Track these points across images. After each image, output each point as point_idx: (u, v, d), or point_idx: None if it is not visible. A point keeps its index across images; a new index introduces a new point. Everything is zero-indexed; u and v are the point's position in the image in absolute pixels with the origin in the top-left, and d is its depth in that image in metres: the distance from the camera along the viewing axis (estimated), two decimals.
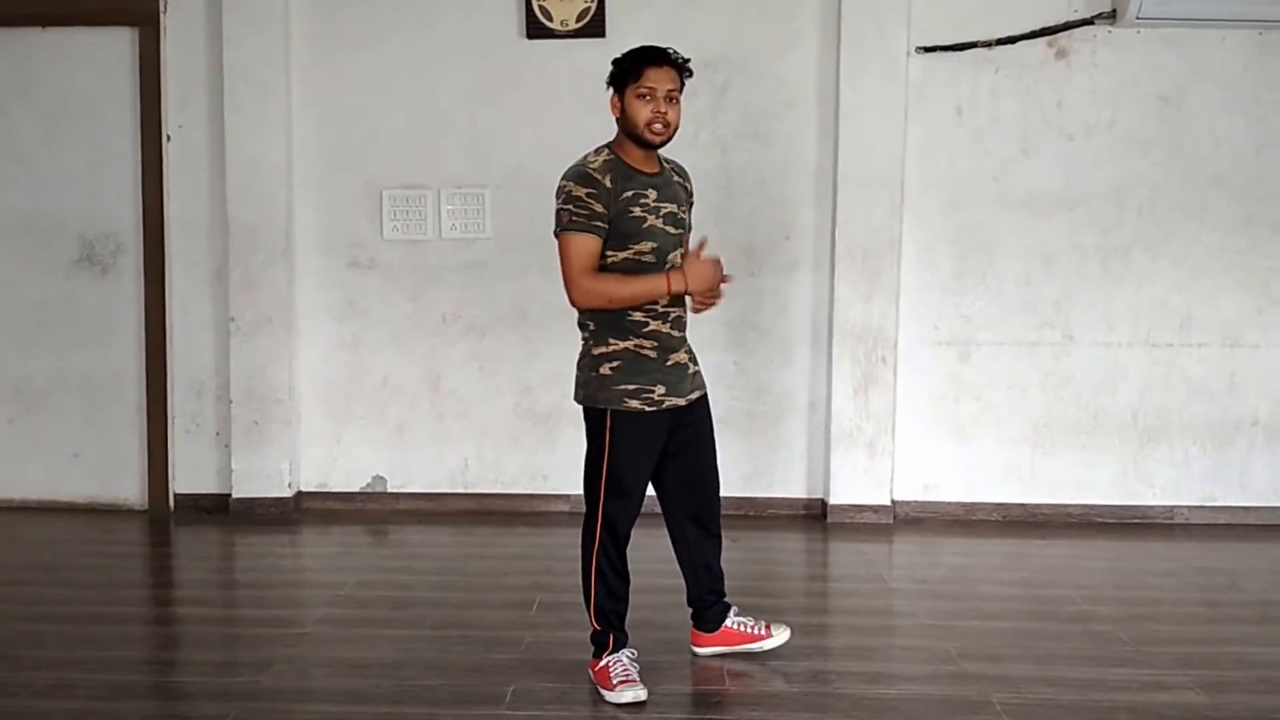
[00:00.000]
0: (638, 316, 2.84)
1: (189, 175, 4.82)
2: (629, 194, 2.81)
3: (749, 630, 3.11)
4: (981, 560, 4.20)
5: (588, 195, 2.76)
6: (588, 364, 2.90)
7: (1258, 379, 4.71)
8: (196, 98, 4.79)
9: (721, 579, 3.14)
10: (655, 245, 2.84)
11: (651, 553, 3.39)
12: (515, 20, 4.71)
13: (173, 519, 4.77)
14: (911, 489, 4.79)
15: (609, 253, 2.81)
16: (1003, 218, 4.69)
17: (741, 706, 2.72)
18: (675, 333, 2.93)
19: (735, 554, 4.23)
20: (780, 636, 3.10)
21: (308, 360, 4.89)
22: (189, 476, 4.91)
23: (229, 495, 4.81)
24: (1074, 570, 4.03)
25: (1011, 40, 4.61)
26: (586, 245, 2.76)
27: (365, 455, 4.91)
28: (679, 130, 4.76)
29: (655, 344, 2.87)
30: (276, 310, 4.76)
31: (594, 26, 4.64)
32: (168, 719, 2.73)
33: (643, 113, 2.81)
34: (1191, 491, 4.74)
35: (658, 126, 2.82)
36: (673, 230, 2.92)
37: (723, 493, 4.77)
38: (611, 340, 2.85)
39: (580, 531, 2.94)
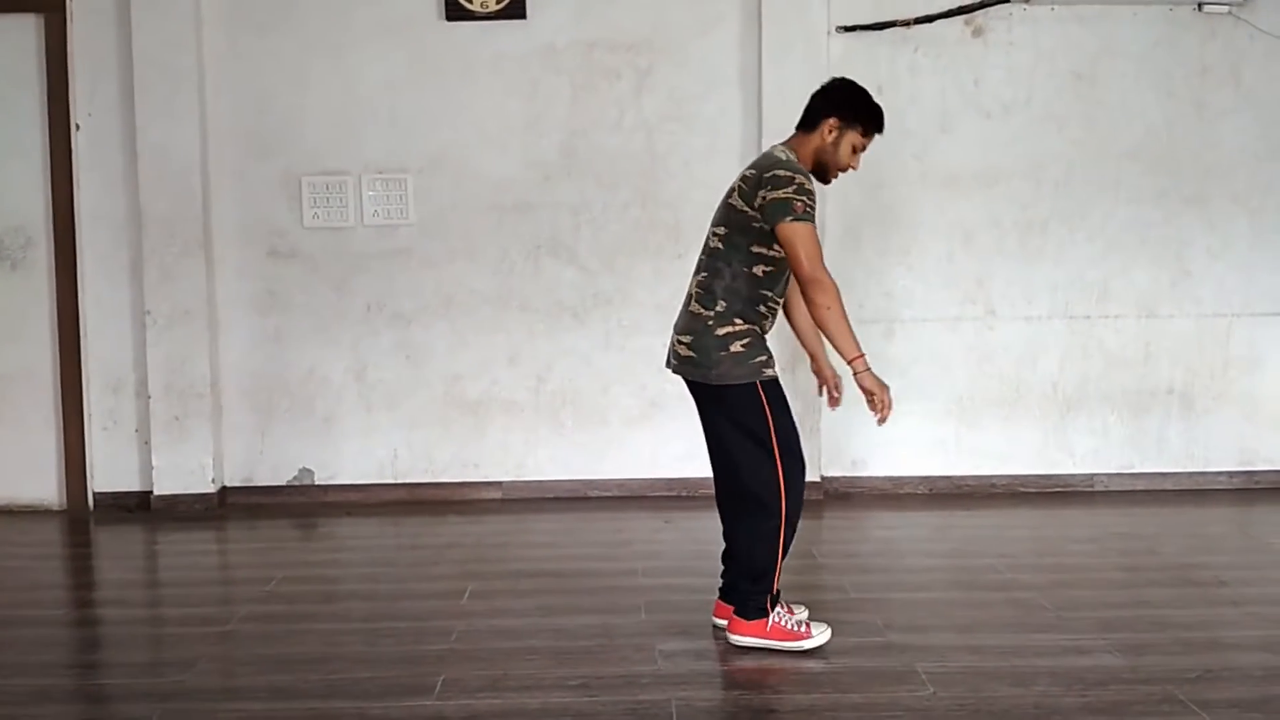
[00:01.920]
0: (767, 305, 2.96)
1: (100, 165, 4.69)
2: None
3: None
4: (908, 533, 4.27)
5: (811, 189, 2.87)
6: (715, 343, 2.92)
7: (1172, 349, 4.84)
8: (105, 86, 4.65)
9: None
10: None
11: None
12: (434, 2, 4.65)
13: (92, 518, 4.66)
14: (840, 465, 4.85)
15: (776, 249, 2.88)
16: (924, 196, 4.76)
17: (672, 686, 2.73)
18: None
19: (668, 535, 4.26)
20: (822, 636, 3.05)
21: (229, 353, 4.79)
22: (108, 474, 4.79)
23: (150, 493, 4.71)
24: (998, 540, 4.12)
25: (929, 19, 4.67)
26: (815, 234, 2.86)
27: (292, 448, 4.83)
28: (602, 113, 4.77)
29: (767, 328, 3.01)
30: (195, 303, 4.65)
31: (514, 8, 4.61)
32: None
33: (849, 160, 3.02)
34: (1110, 460, 4.87)
35: (840, 175, 3.05)
36: None
37: (656, 474, 4.85)
38: (737, 320, 2.92)
39: (751, 514, 2.97)
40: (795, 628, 2.97)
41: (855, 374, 2.93)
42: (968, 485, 4.82)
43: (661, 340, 4.77)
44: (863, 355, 2.91)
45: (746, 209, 2.89)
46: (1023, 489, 4.83)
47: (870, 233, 4.77)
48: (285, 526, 4.51)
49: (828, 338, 2.95)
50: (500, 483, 4.87)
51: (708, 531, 4.35)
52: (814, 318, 2.92)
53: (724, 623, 3.05)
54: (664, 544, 4.14)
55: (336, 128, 4.71)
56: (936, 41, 4.70)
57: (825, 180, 3.05)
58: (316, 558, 4.14)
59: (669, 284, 4.76)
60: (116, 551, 4.33)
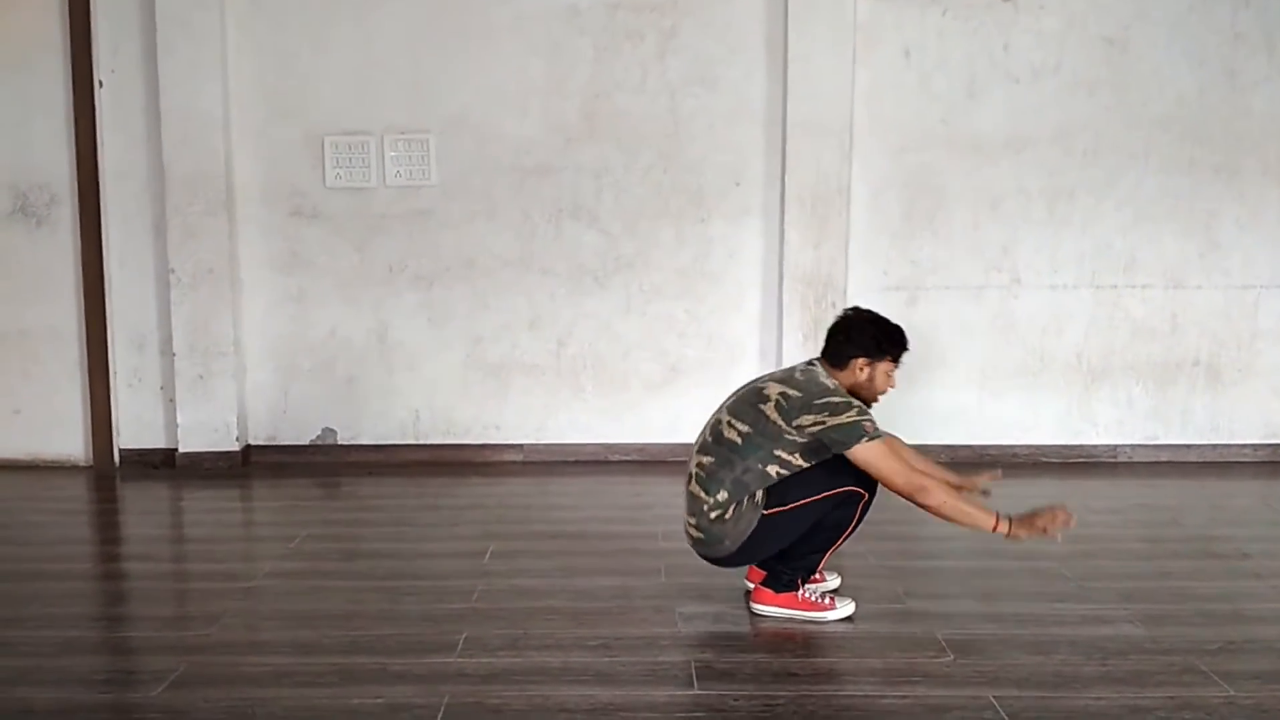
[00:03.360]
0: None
1: (123, 124, 4.69)
2: None
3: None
4: None
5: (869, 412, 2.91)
6: (717, 527, 2.94)
7: (1199, 320, 4.79)
8: (128, 44, 4.65)
9: None
10: None
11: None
12: None
13: (118, 474, 4.70)
14: None
15: (793, 459, 2.87)
16: (950, 162, 4.71)
17: (691, 647, 2.75)
18: None
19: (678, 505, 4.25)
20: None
21: (252, 313, 4.81)
22: (133, 431, 4.84)
23: (175, 450, 4.74)
24: (1018, 509, 4.07)
25: None
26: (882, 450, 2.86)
27: (314, 408, 4.86)
28: (625, 75, 4.73)
29: None
30: (218, 262, 4.66)
31: None
32: (116, 673, 2.70)
33: (886, 386, 3.09)
34: (1134, 430, 4.84)
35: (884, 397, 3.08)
36: None
37: (676, 439, 4.84)
38: (734, 506, 2.91)
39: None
40: (820, 599, 2.99)
41: (1007, 537, 2.85)
42: (989, 454, 4.80)
43: (683, 306, 4.80)
44: (999, 518, 2.83)
45: (782, 424, 2.87)
46: (1045, 459, 4.81)
47: (895, 198, 4.73)
48: (308, 485, 4.54)
49: (963, 527, 2.89)
50: (521, 445, 4.89)
51: None
52: (940, 517, 2.88)
53: (752, 586, 3.06)
54: (684, 509, 4.14)
55: (359, 88, 4.69)
56: (965, 4, 4.63)
57: (868, 405, 3.03)
58: (339, 516, 4.17)
59: (690, 248, 4.75)
60: (142, 507, 4.37)
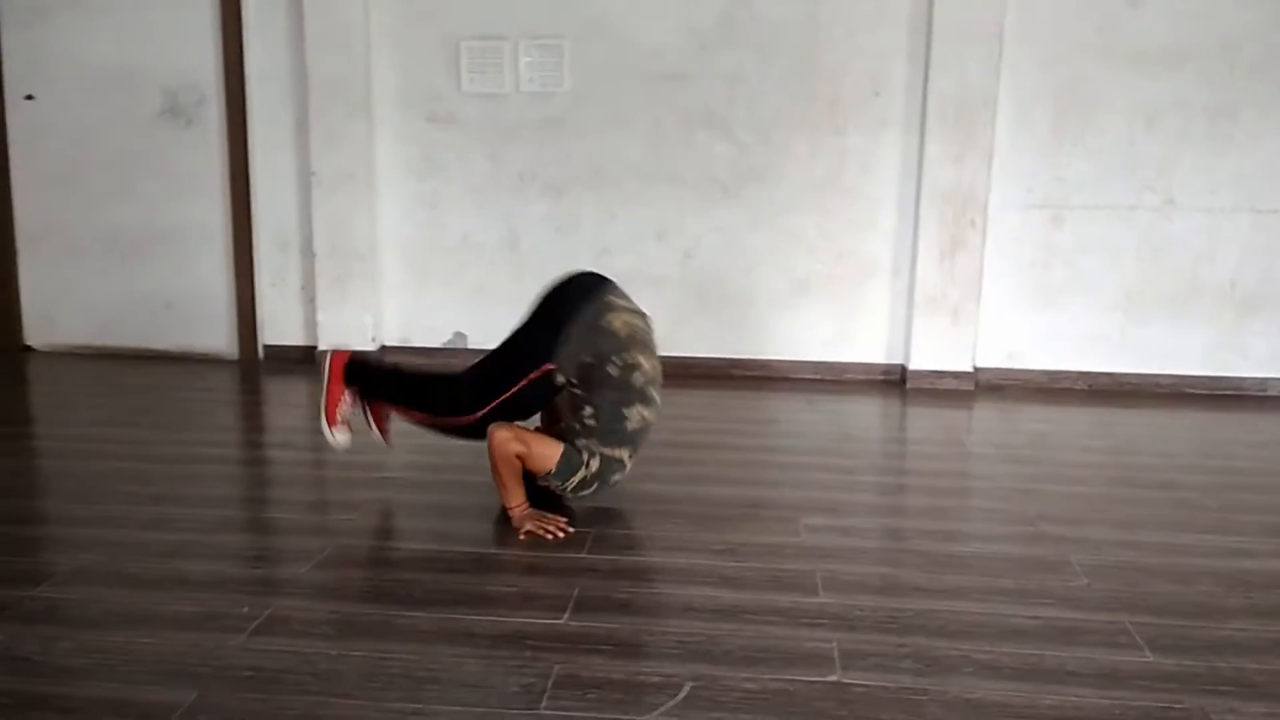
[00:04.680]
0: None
1: (268, 26, 4.79)
2: None
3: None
4: (1065, 428, 4.14)
5: None
6: None
7: None
8: None
9: None
10: None
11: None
12: None
13: (261, 369, 4.91)
14: (995, 356, 4.71)
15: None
16: (1105, 74, 4.46)
17: (817, 558, 2.75)
18: None
19: (811, 416, 4.24)
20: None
21: (388, 217, 4.91)
22: (276, 328, 5.04)
23: (315, 348, 4.92)
24: (1161, 440, 3.96)
25: None
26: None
27: (446, 312, 4.98)
28: None
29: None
30: (358, 166, 4.76)
31: None
32: (266, 550, 2.85)
33: None
34: None
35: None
36: None
37: (801, 357, 4.79)
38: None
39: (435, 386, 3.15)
40: (346, 419, 3.15)
41: (512, 514, 2.91)
42: (1130, 383, 4.63)
43: (814, 220, 4.71)
44: (522, 500, 2.91)
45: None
46: (1190, 390, 4.61)
47: (1043, 110, 4.52)
48: None
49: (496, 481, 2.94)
50: None
51: (851, 415, 4.34)
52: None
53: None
54: (807, 424, 4.13)
55: None
56: None
57: None
58: None
59: (824, 160, 4.64)
60: (285, 400, 4.56)
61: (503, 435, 2.86)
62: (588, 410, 2.91)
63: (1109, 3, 4.42)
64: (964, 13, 4.37)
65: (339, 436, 3.16)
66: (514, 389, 2.94)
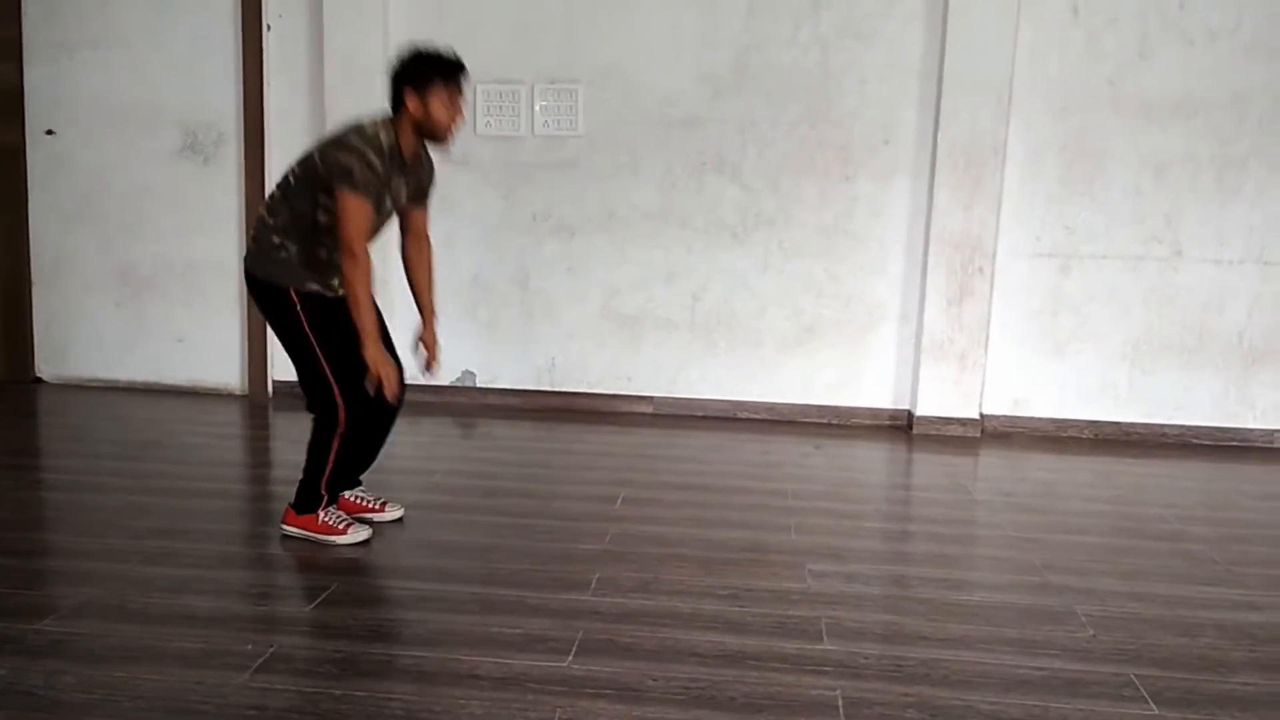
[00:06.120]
0: (325, 257, 3.00)
1: (288, 66, 4.87)
2: (394, 180, 3.01)
3: (365, 503, 3.31)
4: (1071, 476, 4.13)
5: (378, 165, 2.89)
6: (268, 240, 3.00)
7: None
8: None
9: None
10: (379, 218, 3.04)
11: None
12: None
13: (270, 404, 4.94)
14: (1001, 403, 4.72)
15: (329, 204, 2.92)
16: (1115, 124, 4.51)
17: (822, 604, 2.74)
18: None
19: (818, 460, 4.24)
20: (394, 513, 3.32)
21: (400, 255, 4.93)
22: (286, 364, 5.01)
23: None
24: (1167, 490, 3.95)
25: None
26: (366, 210, 2.89)
27: (456, 350, 4.99)
28: (777, 27, 4.67)
29: (337, 280, 3.04)
30: None
31: None
32: (270, 586, 2.86)
33: (449, 116, 3.01)
34: None
35: (456, 130, 3.06)
36: (397, 205, 3.13)
37: (807, 400, 4.81)
38: (301, 267, 3.01)
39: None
40: (338, 523, 3.11)
41: (364, 353, 2.95)
42: (1137, 433, 4.62)
43: (823, 265, 4.74)
44: (374, 343, 2.95)
45: (318, 161, 2.93)
46: (1196, 440, 4.61)
47: (1053, 160, 4.56)
48: (447, 424, 4.69)
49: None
50: (651, 397, 4.93)
51: (857, 460, 4.34)
52: (345, 291, 2.95)
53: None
54: (814, 468, 4.13)
55: (512, 36, 4.75)
56: None
57: (443, 142, 3.06)
58: (477, 455, 4.30)
59: (834, 206, 4.68)
60: (293, 436, 4.56)
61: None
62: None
63: (1120, 54, 4.47)
64: (974, 63, 4.42)
65: (357, 535, 3.13)
66: (314, 344, 3.00)
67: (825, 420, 4.81)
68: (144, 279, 5.09)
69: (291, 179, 3.00)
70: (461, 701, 2.17)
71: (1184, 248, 4.55)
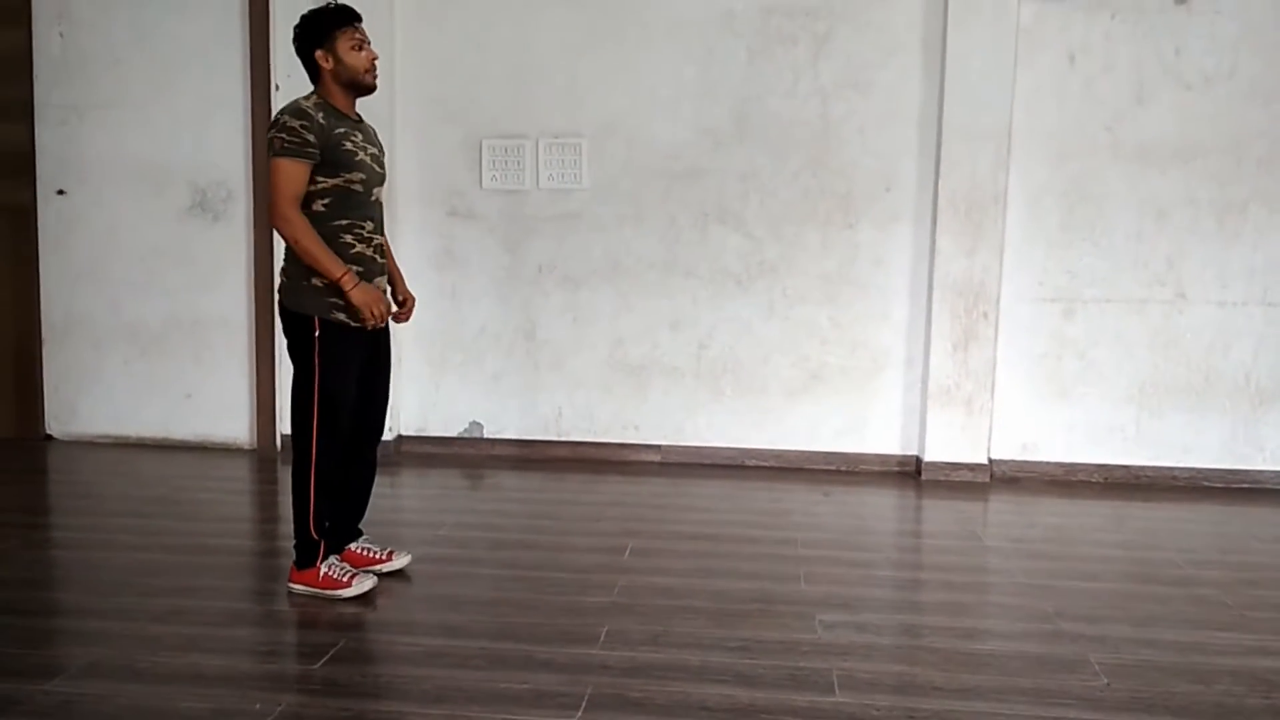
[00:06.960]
0: (348, 239, 3.03)
1: None
2: (340, 130, 3.00)
3: (371, 554, 3.32)
4: (1081, 521, 4.11)
5: (301, 126, 2.92)
6: (297, 271, 3.03)
7: None
8: None
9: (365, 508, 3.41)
10: (364, 177, 3.06)
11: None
12: None
13: (279, 459, 4.95)
14: (1009, 448, 4.71)
15: (321, 178, 2.97)
16: (1114, 170, 4.54)
17: (833, 655, 2.73)
18: (379, 259, 3.15)
19: (826, 508, 4.23)
20: (402, 560, 3.34)
21: None
22: None
23: None
24: (1178, 534, 3.93)
25: None
26: (296, 171, 2.93)
27: (463, 401, 5.02)
28: (777, 79, 4.73)
29: (360, 269, 3.05)
30: None
31: None
32: (278, 644, 2.85)
33: (359, 60, 3.04)
34: None
35: (375, 70, 3.08)
36: (377, 169, 3.15)
37: (815, 447, 4.80)
38: (327, 287, 3.01)
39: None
40: (341, 575, 3.12)
41: (348, 293, 2.97)
42: (1146, 476, 4.61)
43: (826, 312, 4.76)
44: (347, 271, 2.96)
45: None
46: (1206, 483, 4.59)
47: (1053, 206, 4.59)
48: (455, 476, 4.69)
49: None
50: (659, 446, 4.93)
51: (867, 506, 4.33)
52: (297, 250, 2.97)
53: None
54: (822, 516, 4.12)
55: (516, 92, 4.82)
56: (1135, 8, 4.47)
57: (372, 89, 3.10)
58: (484, 507, 4.30)
59: (836, 253, 4.72)
60: None
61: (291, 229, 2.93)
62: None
63: (1117, 100, 4.52)
64: (973, 112, 4.47)
65: (362, 585, 3.13)
66: (315, 372, 3.02)
67: (833, 467, 4.81)
68: (153, 336, 5.13)
69: None
70: None
71: (1187, 290, 4.57)
